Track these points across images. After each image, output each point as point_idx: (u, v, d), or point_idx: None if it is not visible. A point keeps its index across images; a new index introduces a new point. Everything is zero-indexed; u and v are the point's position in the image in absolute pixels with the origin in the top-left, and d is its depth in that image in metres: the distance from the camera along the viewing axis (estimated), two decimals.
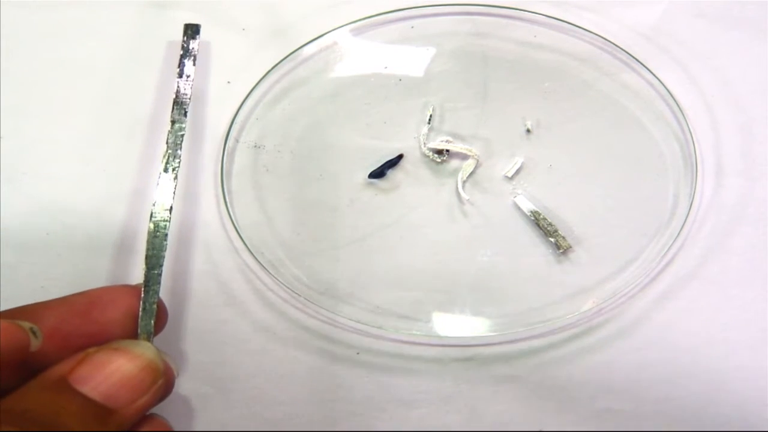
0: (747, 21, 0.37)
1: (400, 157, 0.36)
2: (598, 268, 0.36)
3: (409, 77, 0.37)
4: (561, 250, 0.35)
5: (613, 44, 0.36)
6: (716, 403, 0.35)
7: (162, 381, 0.28)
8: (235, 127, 0.36)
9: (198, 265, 0.35)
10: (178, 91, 0.33)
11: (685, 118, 0.36)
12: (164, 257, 0.31)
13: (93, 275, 0.35)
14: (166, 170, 0.32)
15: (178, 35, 0.35)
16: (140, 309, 0.30)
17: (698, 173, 0.36)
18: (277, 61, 0.36)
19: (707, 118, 0.36)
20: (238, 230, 0.35)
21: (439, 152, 0.36)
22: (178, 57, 0.34)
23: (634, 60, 0.36)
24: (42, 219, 0.35)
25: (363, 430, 0.35)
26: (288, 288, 0.35)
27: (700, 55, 0.37)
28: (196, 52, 0.34)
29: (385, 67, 0.37)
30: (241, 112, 0.36)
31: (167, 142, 0.32)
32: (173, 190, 0.32)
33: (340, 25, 0.36)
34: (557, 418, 0.35)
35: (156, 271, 0.31)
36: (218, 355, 0.35)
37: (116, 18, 0.36)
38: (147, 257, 0.31)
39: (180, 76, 0.33)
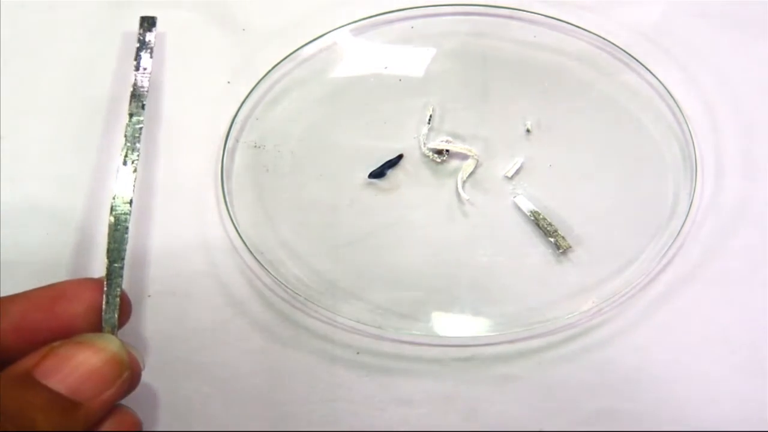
0: (747, 21, 0.37)
1: (400, 157, 0.36)
2: (598, 268, 0.36)
3: (409, 77, 0.37)
4: (561, 250, 0.35)
5: (613, 44, 0.36)
6: (716, 403, 0.35)
7: (127, 374, 0.28)
8: (235, 127, 0.36)
9: (198, 265, 0.35)
10: (135, 84, 0.33)
11: (685, 118, 0.36)
12: (126, 250, 0.31)
13: (91, 275, 0.35)
14: (125, 163, 0.32)
15: (178, 35, 0.35)
16: (103, 302, 0.30)
17: (698, 173, 0.36)
18: (277, 61, 0.36)
19: (707, 118, 0.36)
20: (238, 230, 0.35)
21: (439, 152, 0.36)
22: (135, 50, 0.33)
23: (634, 60, 0.36)
24: (42, 219, 0.35)
25: (363, 430, 0.35)
26: (288, 288, 0.35)
27: (700, 55, 0.37)
28: (152, 45, 0.34)
29: (385, 67, 0.37)
30: (241, 112, 0.36)
31: (125, 135, 0.32)
32: (133, 182, 0.32)
33: (340, 25, 0.36)
34: (557, 418, 0.35)
35: (118, 265, 0.31)
36: (218, 355, 0.35)
37: (114, 15, 0.36)
38: (108, 250, 0.31)
39: (137, 69, 0.33)
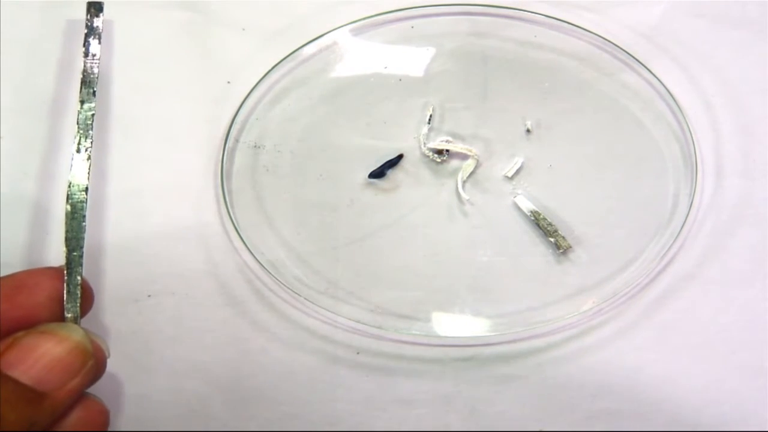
0: (747, 21, 0.37)
1: (400, 157, 0.36)
2: (598, 268, 0.36)
3: (409, 77, 0.37)
4: (561, 250, 0.35)
5: (613, 44, 0.36)
6: (716, 403, 0.35)
7: (92, 362, 0.28)
8: (235, 127, 0.36)
9: (198, 265, 0.35)
10: (84, 71, 0.33)
11: (685, 118, 0.36)
12: (84, 239, 0.31)
13: (91, 276, 0.35)
14: (78, 151, 0.32)
15: (178, 34, 0.35)
16: (65, 292, 0.30)
17: (698, 173, 0.36)
18: (277, 61, 0.36)
19: (707, 118, 0.36)
20: (238, 230, 0.35)
21: (439, 152, 0.36)
22: (83, 36, 0.33)
23: (634, 60, 0.36)
24: (42, 219, 0.35)
25: (363, 430, 0.35)
26: (288, 288, 0.35)
27: (700, 55, 0.37)
28: (100, 31, 0.33)
29: (385, 67, 0.37)
30: (241, 112, 0.36)
31: (77, 123, 0.32)
32: (87, 170, 0.31)
33: (340, 25, 0.36)
34: (557, 418, 0.35)
35: (77, 253, 0.31)
36: (218, 355, 0.35)
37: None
38: (66, 239, 0.31)
39: (86, 55, 0.33)
